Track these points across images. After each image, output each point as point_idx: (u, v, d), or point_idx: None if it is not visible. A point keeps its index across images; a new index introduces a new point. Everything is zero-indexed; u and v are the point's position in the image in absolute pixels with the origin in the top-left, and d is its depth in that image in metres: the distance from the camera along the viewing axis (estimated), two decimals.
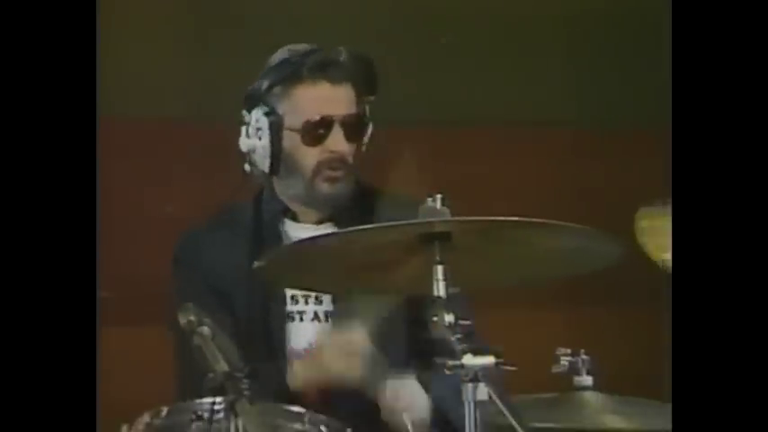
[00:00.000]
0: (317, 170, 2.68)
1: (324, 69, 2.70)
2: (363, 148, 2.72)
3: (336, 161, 2.67)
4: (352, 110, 2.71)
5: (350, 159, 2.69)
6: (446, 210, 2.16)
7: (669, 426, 2.31)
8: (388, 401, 2.63)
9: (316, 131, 2.69)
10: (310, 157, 2.70)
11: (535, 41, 4.13)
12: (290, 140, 2.70)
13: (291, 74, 2.74)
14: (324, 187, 2.68)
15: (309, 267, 2.43)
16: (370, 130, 2.74)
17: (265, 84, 2.73)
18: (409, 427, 2.59)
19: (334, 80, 2.70)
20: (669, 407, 2.36)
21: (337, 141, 2.68)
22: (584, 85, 4.17)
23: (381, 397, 2.64)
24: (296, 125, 2.69)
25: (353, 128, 2.70)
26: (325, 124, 2.69)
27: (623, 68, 4.19)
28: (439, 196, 2.17)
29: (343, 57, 2.71)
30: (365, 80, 2.74)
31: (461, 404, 2.26)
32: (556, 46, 4.19)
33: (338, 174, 2.67)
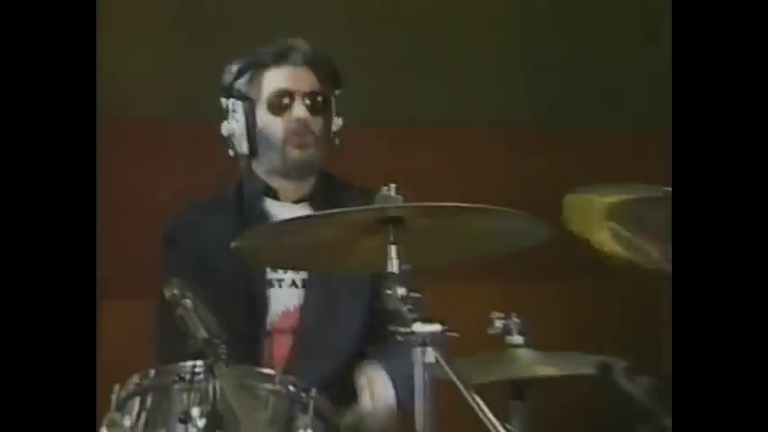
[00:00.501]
0: (287, 139, 2.82)
1: (286, 56, 2.87)
2: (336, 140, 2.89)
3: (302, 128, 2.82)
4: (314, 88, 2.85)
5: (315, 130, 2.83)
6: (400, 197, 2.27)
7: (590, 371, 2.45)
8: (364, 390, 2.79)
9: (280, 102, 2.85)
10: (279, 127, 2.84)
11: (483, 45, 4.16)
12: (262, 117, 2.85)
13: (258, 62, 2.88)
14: (294, 153, 2.82)
15: (281, 246, 2.54)
16: (339, 122, 2.90)
17: (236, 73, 2.91)
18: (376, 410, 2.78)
19: (296, 64, 2.86)
20: (591, 357, 2.55)
21: (300, 111, 2.83)
22: (532, 87, 4.23)
23: (358, 385, 2.79)
24: (264, 100, 2.85)
25: (315, 103, 2.85)
26: (289, 96, 2.85)
27: (571, 70, 4.26)
28: (393, 185, 2.27)
29: (303, 46, 2.89)
30: (327, 71, 2.90)
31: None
32: (506, 50, 4.24)
33: (305, 140, 2.83)
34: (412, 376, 2.31)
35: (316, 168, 2.87)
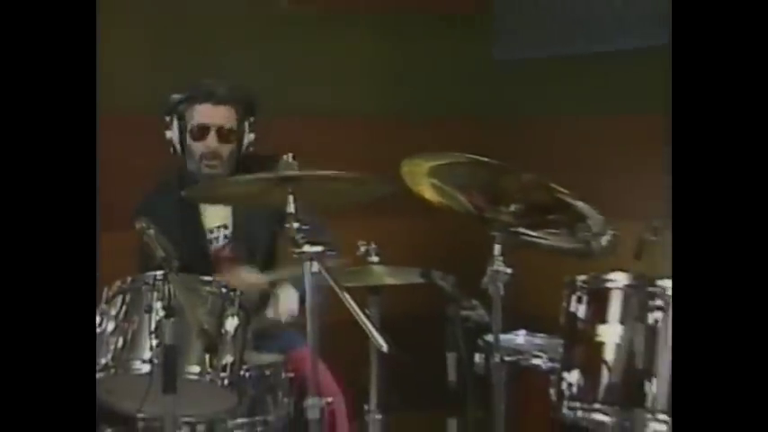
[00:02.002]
0: (201, 159, 2.95)
1: (211, 94, 2.94)
2: (245, 149, 2.97)
3: (211, 155, 2.93)
4: (226, 123, 2.92)
5: (223, 154, 2.93)
6: (295, 163, 2.42)
7: (418, 279, 2.58)
8: (274, 303, 2.85)
9: (198, 132, 2.94)
10: (197, 149, 2.95)
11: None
12: (189, 137, 2.96)
13: (191, 97, 2.95)
14: (206, 170, 2.94)
15: (216, 195, 2.72)
16: (251, 137, 2.98)
17: (176, 101, 2.96)
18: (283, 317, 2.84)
19: (216, 102, 2.94)
20: (418, 269, 2.61)
21: (211, 141, 2.93)
22: (391, 85, 4.25)
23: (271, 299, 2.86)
24: (189, 130, 2.95)
25: (225, 135, 2.94)
26: (204, 129, 2.93)
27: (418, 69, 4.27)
28: (290, 154, 2.42)
29: (224, 88, 2.95)
30: (243, 105, 2.97)
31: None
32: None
33: (213, 163, 2.93)
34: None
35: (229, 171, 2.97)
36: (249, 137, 2.99)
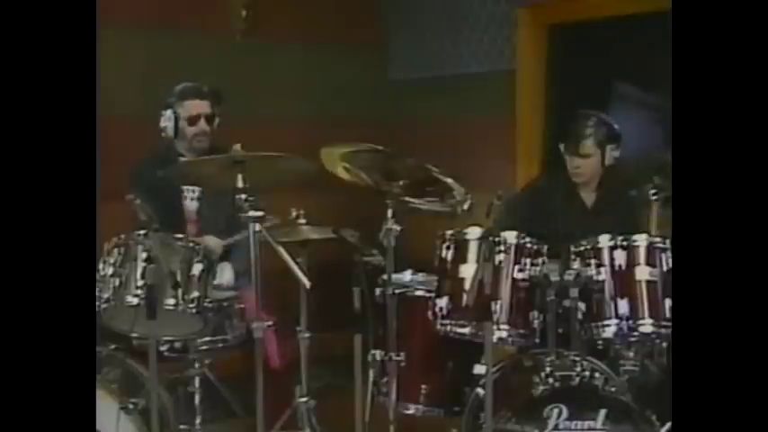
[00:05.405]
0: (193, 137, 3.24)
1: (196, 93, 3.23)
2: (215, 128, 3.25)
3: (201, 134, 3.25)
4: (209, 111, 3.21)
5: (208, 132, 3.25)
6: (243, 151, 2.52)
7: (332, 235, 2.70)
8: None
9: (193, 120, 3.22)
10: (190, 131, 3.23)
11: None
12: (182, 124, 3.22)
13: (182, 95, 3.21)
14: (197, 145, 3.21)
15: (186, 174, 2.89)
16: (218, 120, 3.27)
17: (173, 99, 3.18)
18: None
19: (201, 98, 3.23)
20: (329, 227, 2.72)
21: (202, 125, 3.22)
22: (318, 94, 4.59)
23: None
24: (186, 117, 3.21)
25: (209, 120, 3.24)
26: (197, 117, 3.22)
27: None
28: (239, 144, 2.54)
29: (205, 87, 3.25)
30: (215, 97, 3.26)
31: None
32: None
33: (203, 140, 3.22)
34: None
35: (205, 152, 3.23)
36: (217, 119, 3.28)
